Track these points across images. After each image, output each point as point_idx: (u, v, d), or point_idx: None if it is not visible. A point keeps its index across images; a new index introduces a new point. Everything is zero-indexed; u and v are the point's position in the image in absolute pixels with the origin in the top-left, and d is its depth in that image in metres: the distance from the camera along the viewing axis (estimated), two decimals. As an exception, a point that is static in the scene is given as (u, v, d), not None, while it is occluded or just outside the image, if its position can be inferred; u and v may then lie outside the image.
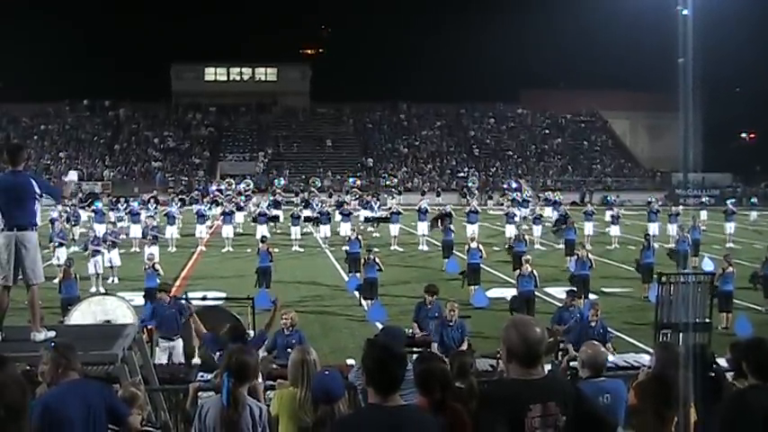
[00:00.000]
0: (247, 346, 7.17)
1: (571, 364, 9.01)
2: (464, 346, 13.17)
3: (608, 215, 38.87)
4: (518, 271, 20.50)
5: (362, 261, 22.56)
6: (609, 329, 14.61)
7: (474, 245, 23.96)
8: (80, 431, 5.49)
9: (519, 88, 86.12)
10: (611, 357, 11.90)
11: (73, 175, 9.75)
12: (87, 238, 27.10)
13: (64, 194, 9.50)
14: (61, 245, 26.59)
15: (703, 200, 49.38)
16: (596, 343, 7.38)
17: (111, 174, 70.02)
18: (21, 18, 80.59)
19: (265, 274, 22.74)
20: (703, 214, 44.69)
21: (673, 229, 35.46)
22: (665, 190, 66.66)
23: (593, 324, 14.08)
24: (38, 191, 8.72)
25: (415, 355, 8.71)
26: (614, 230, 35.60)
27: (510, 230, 34.98)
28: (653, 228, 35.36)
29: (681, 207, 42.30)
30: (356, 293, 22.46)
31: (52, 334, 8.56)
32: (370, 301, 20.64)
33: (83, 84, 78.64)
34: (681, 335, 13.61)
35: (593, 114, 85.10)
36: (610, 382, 6.70)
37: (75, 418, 5.45)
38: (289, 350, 12.76)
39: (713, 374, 6.80)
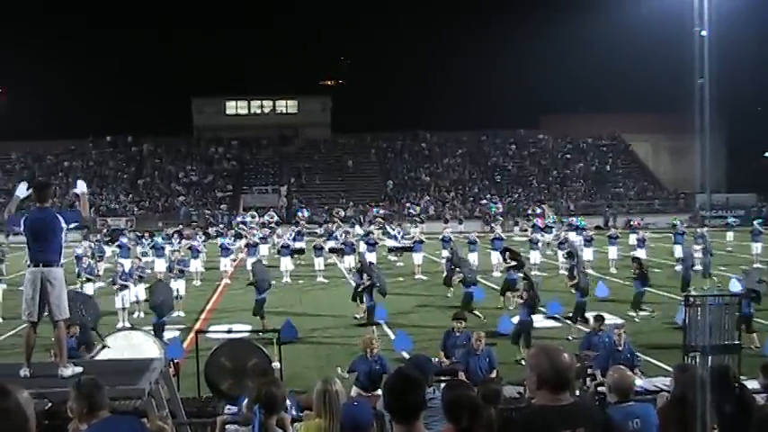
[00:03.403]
0: (272, 379, 7.15)
1: (599, 389, 8.97)
2: (493, 375, 13.13)
3: (633, 239, 38.68)
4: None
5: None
6: (636, 354, 14.50)
7: (497, 274, 23.94)
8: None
9: (539, 114, 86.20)
10: (639, 381, 11.82)
11: (81, 186, 9.79)
12: (115, 273, 27.23)
13: (84, 213, 9.57)
14: (89, 280, 26.69)
15: (729, 221, 48.88)
16: (622, 367, 7.34)
17: (135, 209, 70.41)
18: (42, 58, 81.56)
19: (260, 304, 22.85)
20: (729, 235, 44.47)
21: (699, 250, 35.31)
22: (689, 212, 66.25)
23: (620, 348, 13.99)
24: (65, 225, 8.81)
25: (443, 384, 8.68)
26: (640, 254, 35.35)
27: (534, 256, 34.94)
28: (678, 250, 35.17)
29: (706, 228, 42.05)
30: (382, 322, 22.48)
31: (79, 370, 8.59)
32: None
33: (105, 120, 79.44)
34: (710, 357, 13.50)
35: (615, 138, 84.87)
36: (639, 406, 6.65)
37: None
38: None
39: (739, 396, 6.74)
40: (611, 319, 18.72)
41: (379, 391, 12.39)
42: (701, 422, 5.45)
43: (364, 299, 23.23)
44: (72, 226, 9.27)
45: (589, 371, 14.16)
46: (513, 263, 24.98)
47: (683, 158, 78.95)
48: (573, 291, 21.88)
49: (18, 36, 79.84)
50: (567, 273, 26.17)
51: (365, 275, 23.36)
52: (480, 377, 12.63)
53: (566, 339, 19.87)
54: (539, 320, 22.03)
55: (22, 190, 9.17)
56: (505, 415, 6.81)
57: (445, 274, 28.73)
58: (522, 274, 23.04)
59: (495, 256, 33.88)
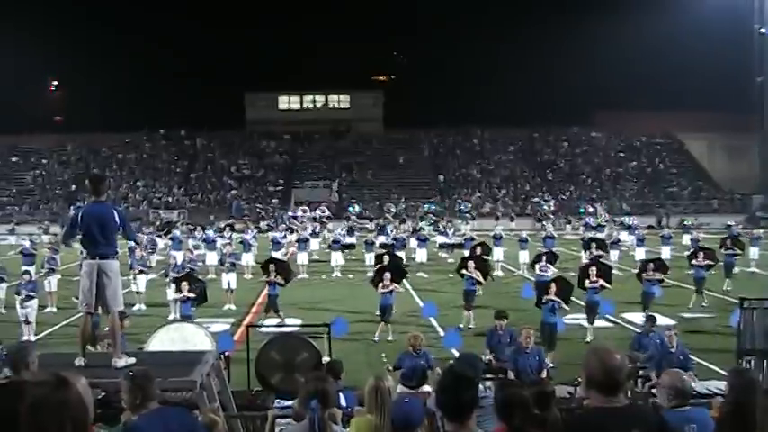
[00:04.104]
0: (324, 374, 7.16)
1: (653, 390, 8.86)
2: (543, 374, 13.03)
3: (686, 239, 38.24)
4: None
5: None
6: (690, 356, 14.28)
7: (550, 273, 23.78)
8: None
9: (593, 111, 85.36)
10: (692, 384, 11.64)
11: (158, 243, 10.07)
12: (167, 266, 27.49)
13: (137, 240, 9.85)
14: (141, 272, 26.95)
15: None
16: (678, 370, 7.24)
17: (188, 202, 71.05)
18: (97, 52, 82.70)
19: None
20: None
21: (755, 252, 34.77)
22: (744, 213, 65.28)
23: (672, 350, 13.78)
24: (119, 222, 8.91)
25: (488, 382, 8.66)
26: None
27: (586, 255, 34.64)
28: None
29: (762, 230, 41.42)
30: (432, 319, 22.45)
31: (132, 360, 8.68)
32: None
33: (159, 114, 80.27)
34: (765, 362, 13.29)
35: (669, 136, 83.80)
36: (696, 410, 6.53)
37: (158, 447, 5.50)
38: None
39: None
40: (662, 321, 18.54)
41: (426, 388, 12.40)
42: (758, 428, 5.36)
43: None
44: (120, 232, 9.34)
45: (641, 372, 14.00)
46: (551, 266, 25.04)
47: (740, 158, 77.80)
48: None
49: (74, 30, 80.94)
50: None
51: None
52: (530, 376, 12.54)
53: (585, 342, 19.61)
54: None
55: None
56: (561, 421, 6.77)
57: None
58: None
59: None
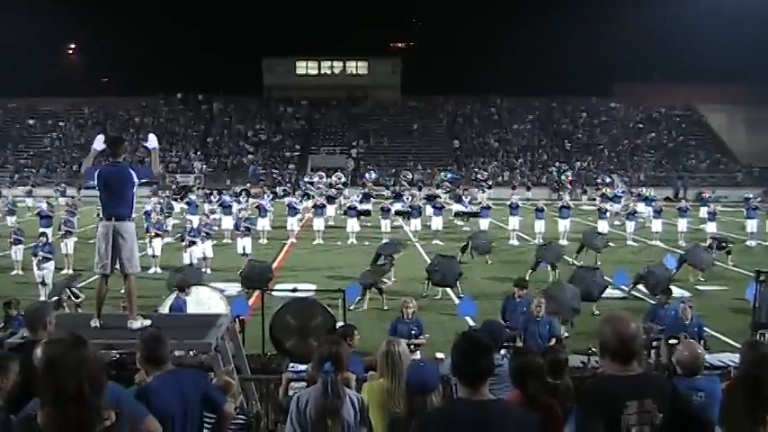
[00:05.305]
0: (337, 338, 7.16)
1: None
2: (552, 343, 13.00)
3: (703, 212, 38.07)
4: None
5: None
6: (705, 328, 14.25)
7: (564, 242, 23.77)
8: (178, 420, 5.59)
9: (612, 82, 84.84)
10: (705, 356, 11.62)
11: (153, 141, 9.78)
12: (183, 230, 27.60)
13: (154, 169, 9.66)
14: (157, 235, 27.04)
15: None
16: (693, 342, 7.24)
17: (204, 166, 71.11)
18: (115, 16, 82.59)
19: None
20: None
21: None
22: (763, 186, 64.83)
23: (687, 322, 13.77)
24: (137, 180, 8.91)
25: (503, 350, 8.67)
26: (710, 227, 34.65)
27: (602, 226, 34.49)
28: (751, 225, 34.56)
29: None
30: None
31: (148, 322, 8.71)
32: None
33: (176, 78, 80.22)
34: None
35: (689, 108, 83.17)
36: (704, 380, 6.55)
37: (172, 408, 5.54)
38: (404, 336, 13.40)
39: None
40: (678, 293, 18.52)
41: (440, 355, 12.45)
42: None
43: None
44: (143, 181, 9.38)
45: (654, 344, 13.98)
46: None
47: (760, 131, 77.15)
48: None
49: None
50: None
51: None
52: (539, 344, 12.48)
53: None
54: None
55: (99, 143, 9.21)
56: (573, 387, 6.79)
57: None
58: None
59: (563, 224, 33.80)
